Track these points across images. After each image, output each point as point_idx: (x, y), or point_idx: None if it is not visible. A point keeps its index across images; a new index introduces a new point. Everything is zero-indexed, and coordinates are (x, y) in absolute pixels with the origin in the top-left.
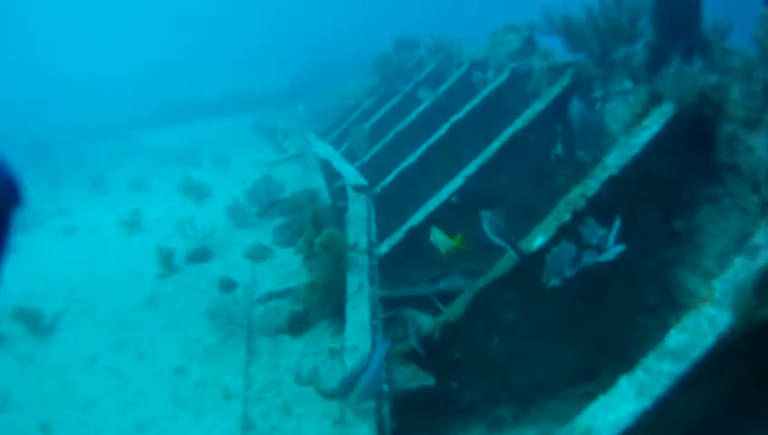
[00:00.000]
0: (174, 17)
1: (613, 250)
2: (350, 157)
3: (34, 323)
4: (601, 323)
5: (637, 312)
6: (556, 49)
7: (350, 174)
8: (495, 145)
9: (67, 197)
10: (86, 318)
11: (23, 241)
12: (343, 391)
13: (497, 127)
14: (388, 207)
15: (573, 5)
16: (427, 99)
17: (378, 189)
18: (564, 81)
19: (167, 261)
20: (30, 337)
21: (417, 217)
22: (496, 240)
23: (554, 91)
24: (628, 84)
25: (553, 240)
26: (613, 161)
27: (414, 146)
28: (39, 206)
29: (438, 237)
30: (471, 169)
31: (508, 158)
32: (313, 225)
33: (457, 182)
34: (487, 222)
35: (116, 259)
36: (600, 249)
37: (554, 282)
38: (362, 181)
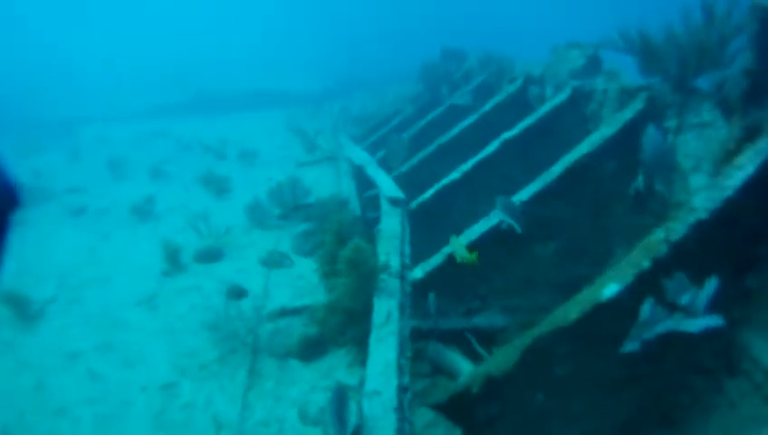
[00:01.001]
0: (219, 7)
1: (708, 321)
2: (385, 166)
3: (22, 308)
4: (653, 382)
5: (690, 373)
6: (622, 70)
7: (386, 184)
8: (557, 169)
9: (84, 175)
10: (76, 309)
11: (29, 215)
12: None
13: (552, 148)
14: (424, 226)
15: (651, 24)
16: (467, 104)
17: (414, 205)
18: (637, 105)
19: (173, 258)
20: (15, 323)
21: (459, 243)
22: (506, 218)
23: (626, 115)
24: (706, 116)
25: (629, 290)
26: (702, 203)
27: (456, 161)
28: (52, 182)
29: (457, 246)
30: (527, 193)
31: (569, 185)
32: (337, 237)
33: None
34: (501, 202)
35: (120, 247)
36: (689, 311)
37: (632, 346)
38: (399, 194)
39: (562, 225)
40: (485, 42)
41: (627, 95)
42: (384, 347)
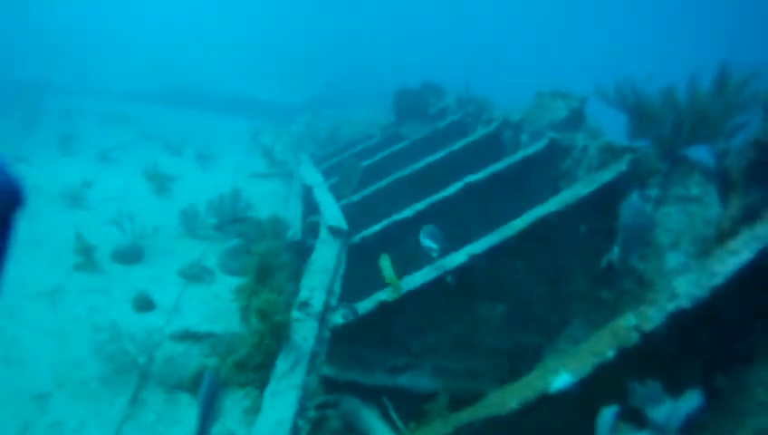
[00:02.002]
0: (214, 6)
1: None
2: (337, 193)
3: None
4: None
5: None
6: (606, 130)
7: (331, 211)
8: (519, 224)
9: (32, 146)
10: None
11: None
12: None
13: (517, 201)
14: (364, 265)
15: (653, 80)
16: (411, 137)
17: (357, 238)
18: (620, 166)
19: (87, 252)
20: None
21: (394, 292)
22: (426, 243)
23: (605, 176)
24: (694, 190)
25: (585, 383)
26: (687, 289)
27: (414, 198)
28: None
29: (386, 267)
30: (479, 246)
31: (529, 244)
32: (259, 270)
33: (458, 258)
34: (427, 230)
35: (39, 230)
36: (662, 431)
37: None
38: (342, 224)
39: (515, 287)
40: (473, 75)
41: (610, 154)
42: (280, 403)
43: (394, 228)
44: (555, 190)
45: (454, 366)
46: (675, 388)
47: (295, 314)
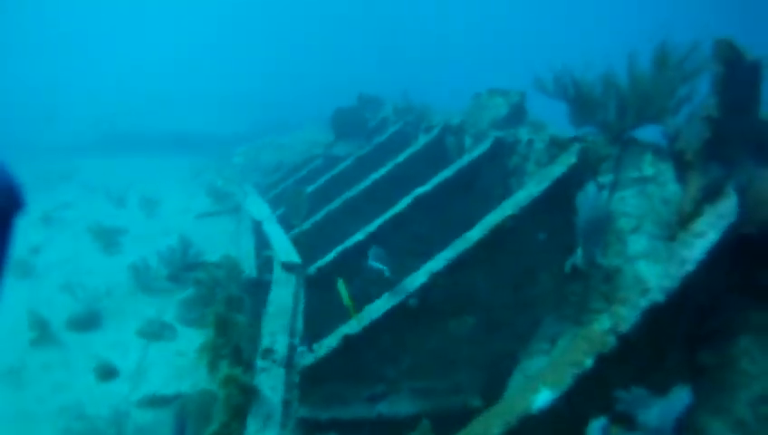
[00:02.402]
0: (141, 45)
1: None
2: (286, 223)
3: None
4: None
5: None
6: (549, 122)
7: (281, 245)
8: (475, 235)
9: None
10: None
11: None
12: None
13: (471, 205)
14: (323, 296)
15: (591, 66)
16: (351, 155)
17: (312, 270)
18: (569, 158)
19: (42, 325)
20: None
21: (359, 322)
22: (375, 265)
23: (556, 170)
24: (648, 170)
25: (567, 397)
26: (658, 281)
27: (366, 218)
28: None
29: (343, 293)
30: (438, 263)
31: (488, 252)
32: (220, 325)
33: (418, 279)
34: (373, 253)
35: None
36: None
37: None
38: (294, 257)
39: (481, 297)
40: (409, 88)
41: (557, 147)
42: None
43: (349, 254)
44: (506, 187)
45: (432, 385)
46: (660, 381)
47: (260, 363)
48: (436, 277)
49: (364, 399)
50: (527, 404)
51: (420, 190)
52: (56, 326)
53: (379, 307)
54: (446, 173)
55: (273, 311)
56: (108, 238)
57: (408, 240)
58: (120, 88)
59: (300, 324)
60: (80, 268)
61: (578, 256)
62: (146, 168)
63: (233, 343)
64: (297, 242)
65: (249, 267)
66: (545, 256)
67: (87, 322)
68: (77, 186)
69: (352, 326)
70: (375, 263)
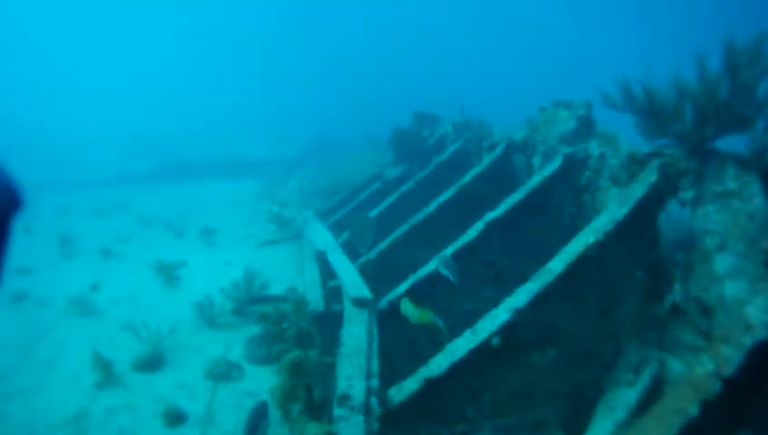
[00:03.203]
0: (188, 74)
1: None
2: (351, 250)
3: None
4: None
5: None
6: (618, 132)
7: (349, 278)
8: (557, 266)
9: (33, 252)
10: None
11: None
12: None
13: (543, 228)
14: (398, 330)
15: (656, 76)
16: (410, 180)
17: (384, 304)
18: (650, 177)
19: (106, 368)
20: None
21: (440, 364)
22: (443, 270)
23: (637, 191)
24: (731, 184)
25: None
26: (762, 316)
27: (434, 243)
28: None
29: (410, 311)
30: (521, 298)
31: (572, 282)
32: (294, 370)
33: (500, 316)
34: (441, 259)
35: (57, 348)
36: None
37: None
38: (364, 292)
39: (564, 328)
40: (462, 98)
41: (636, 164)
42: None
43: (421, 285)
44: (579, 205)
45: (514, 421)
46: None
47: (337, 411)
48: (518, 314)
49: None
50: None
51: (492, 215)
52: (120, 368)
53: (460, 347)
54: (518, 195)
55: (346, 352)
56: (168, 272)
57: (480, 266)
58: (169, 118)
59: (375, 366)
60: (141, 305)
61: (677, 293)
62: (200, 194)
63: (304, 383)
64: (364, 272)
65: (316, 300)
66: (628, 280)
67: (152, 362)
68: (133, 217)
69: (432, 368)
70: (443, 270)
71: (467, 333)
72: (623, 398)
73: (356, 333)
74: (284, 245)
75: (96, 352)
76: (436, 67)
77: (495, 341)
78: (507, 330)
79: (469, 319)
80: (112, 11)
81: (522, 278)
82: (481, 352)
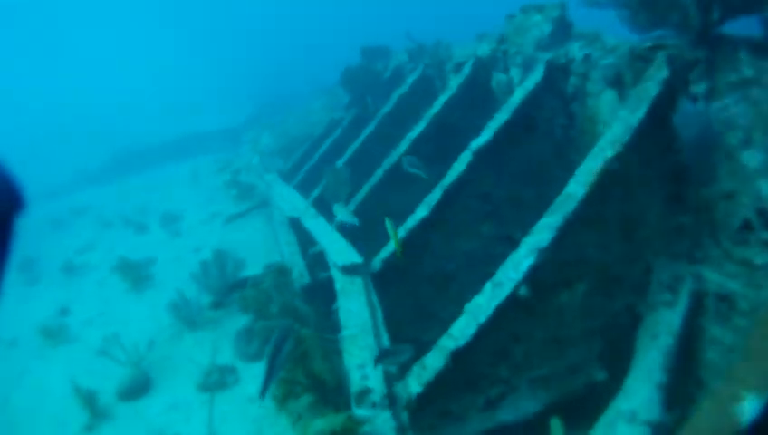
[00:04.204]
0: (118, 60)
1: None
2: (324, 208)
3: None
4: None
5: None
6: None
7: (333, 244)
8: (578, 190)
9: None
10: None
11: None
12: None
13: (537, 149)
14: (397, 291)
15: None
16: (373, 119)
17: (377, 264)
18: (660, 73)
19: (90, 403)
20: None
21: (463, 331)
22: (412, 171)
23: (649, 90)
24: (747, 71)
25: None
26: None
27: (415, 187)
28: None
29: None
30: (544, 235)
31: (595, 206)
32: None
33: (524, 261)
34: (406, 161)
35: (33, 392)
36: None
37: None
38: (353, 257)
39: (591, 258)
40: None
41: (641, 61)
42: None
43: (414, 235)
44: (569, 117)
45: (550, 371)
46: None
47: (358, 412)
48: (544, 254)
49: (480, 408)
50: (731, 417)
51: (478, 142)
52: (106, 400)
53: (483, 306)
54: (503, 115)
55: (350, 333)
56: (136, 273)
57: (473, 200)
58: (108, 105)
59: (386, 341)
60: (114, 319)
61: (749, 210)
62: (158, 180)
63: (308, 370)
64: (343, 230)
65: (299, 271)
66: (647, 191)
67: (137, 387)
68: (92, 221)
69: (456, 337)
70: (411, 169)
71: (488, 288)
72: (665, 322)
73: (355, 307)
74: (252, 216)
75: (78, 387)
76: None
77: (523, 291)
78: (533, 274)
79: (472, 262)
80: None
81: (520, 207)
82: (508, 308)
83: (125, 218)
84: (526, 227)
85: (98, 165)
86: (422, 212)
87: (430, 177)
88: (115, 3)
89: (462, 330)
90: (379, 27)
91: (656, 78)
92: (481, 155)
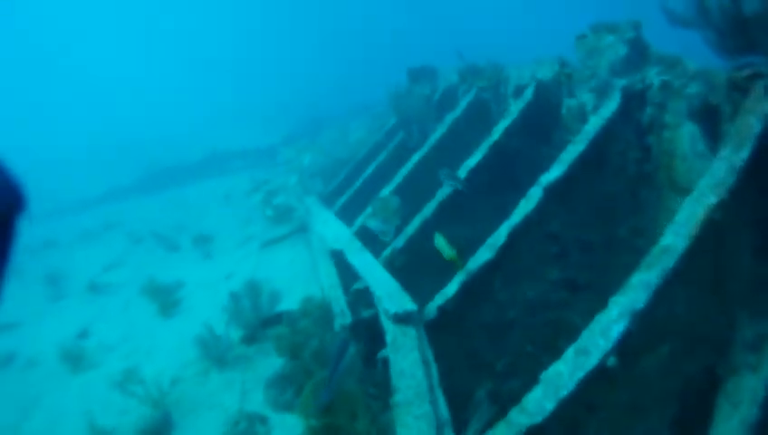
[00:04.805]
0: (163, 74)
1: None
2: (369, 238)
3: None
4: None
5: None
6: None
7: (382, 286)
8: (678, 243)
9: (19, 299)
10: None
11: None
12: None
13: (608, 188)
14: (452, 337)
15: None
16: (424, 144)
17: (432, 311)
18: (762, 105)
19: None
20: None
21: (541, 404)
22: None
23: (753, 125)
24: None
25: None
26: None
27: (472, 220)
28: None
29: (441, 244)
30: (639, 294)
31: (694, 261)
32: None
33: (615, 327)
34: (443, 173)
35: (46, 423)
36: None
37: None
38: (406, 304)
39: (679, 316)
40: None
41: (738, 91)
42: None
43: (477, 281)
44: (644, 150)
45: None
46: None
47: None
48: (638, 318)
49: None
50: None
51: (550, 177)
52: None
53: (564, 377)
54: (577, 147)
55: (403, 399)
56: (165, 297)
57: (539, 242)
58: (140, 128)
59: (444, 409)
60: (138, 347)
61: None
62: (191, 197)
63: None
64: (392, 266)
65: (341, 310)
66: (739, 239)
67: (156, 429)
68: (123, 236)
69: (531, 411)
70: (450, 181)
71: (570, 355)
72: (748, 388)
73: (408, 367)
74: (290, 241)
75: (93, 424)
76: (420, 18)
77: (612, 361)
78: (625, 341)
79: (533, 309)
80: (74, 22)
81: (588, 249)
82: (594, 380)
83: (156, 235)
84: (593, 271)
85: (131, 180)
86: (486, 255)
87: (464, 187)
88: (155, 18)
89: (539, 403)
90: (422, 44)
91: (757, 111)
92: (552, 192)
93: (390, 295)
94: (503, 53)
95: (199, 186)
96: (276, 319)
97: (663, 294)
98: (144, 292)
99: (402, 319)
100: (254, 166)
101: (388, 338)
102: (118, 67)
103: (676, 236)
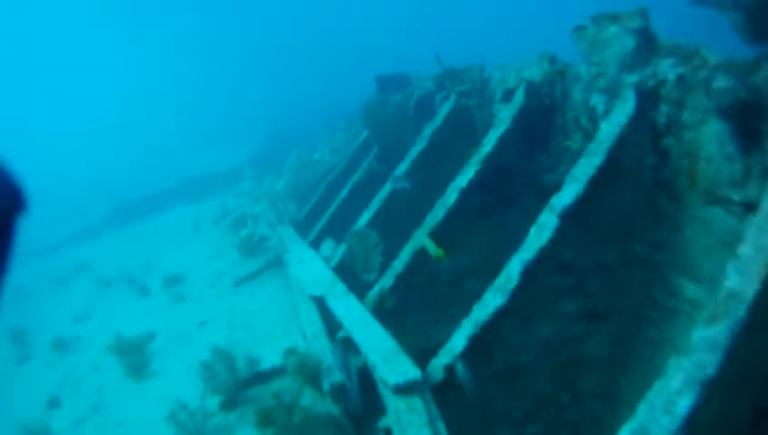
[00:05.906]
0: (117, 106)
1: None
2: (351, 274)
3: None
4: None
5: None
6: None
7: (376, 348)
8: (747, 287)
9: None
10: None
11: None
12: None
13: (626, 203)
14: (463, 404)
15: None
16: (403, 160)
17: (437, 372)
18: None
19: None
20: None
21: None
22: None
23: None
24: None
25: None
26: None
27: (470, 249)
28: None
29: (428, 244)
30: (707, 356)
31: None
32: None
33: (681, 402)
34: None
35: None
36: None
37: None
38: (409, 372)
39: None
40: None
41: None
42: None
43: (487, 329)
44: (661, 154)
45: None
46: None
47: None
48: (709, 385)
49: None
50: None
51: (564, 201)
52: None
53: None
54: (593, 160)
55: None
56: (135, 355)
57: (555, 275)
58: (104, 163)
59: None
60: (108, 419)
61: None
62: (161, 231)
63: None
64: (382, 308)
65: (328, 367)
66: None
67: None
68: (92, 280)
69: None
70: (399, 185)
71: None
72: None
73: None
74: (265, 278)
75: None
76: (394, 24)
77: None
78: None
79: (548, 349)
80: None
81: (606, 274)
82: None
83: (126, 276)
84: (612, 295)
85: (100, 216)
86: (496, 300)
87: (414, 188)
88: (114, 42)
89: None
90: (397, 50)
91: None
92: (568, 217)
93: (387, 360)
94: (485, 56)
95: (169, 215)
96: (258, 378)
97: (736, 353)
98: (113, 350)
99: (404, 389)
100: (224, 190)
101: (390, 412)
102: (84, 102)
103: (742, 276)
